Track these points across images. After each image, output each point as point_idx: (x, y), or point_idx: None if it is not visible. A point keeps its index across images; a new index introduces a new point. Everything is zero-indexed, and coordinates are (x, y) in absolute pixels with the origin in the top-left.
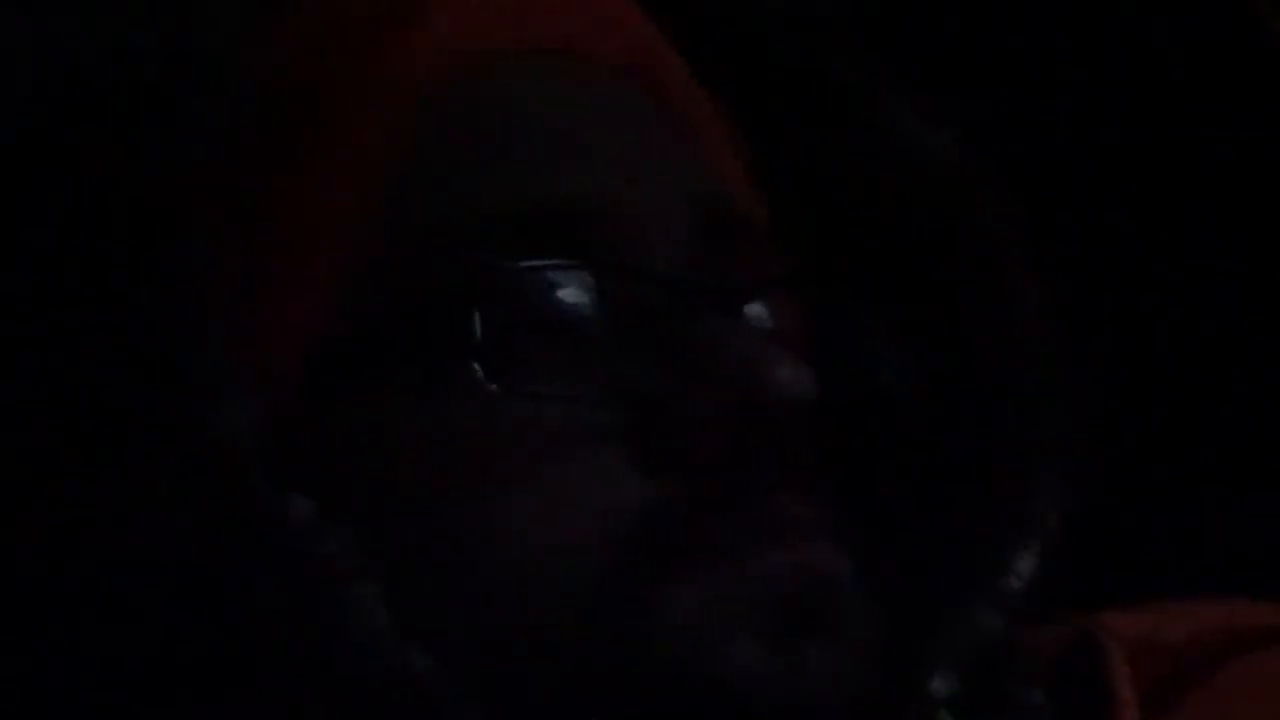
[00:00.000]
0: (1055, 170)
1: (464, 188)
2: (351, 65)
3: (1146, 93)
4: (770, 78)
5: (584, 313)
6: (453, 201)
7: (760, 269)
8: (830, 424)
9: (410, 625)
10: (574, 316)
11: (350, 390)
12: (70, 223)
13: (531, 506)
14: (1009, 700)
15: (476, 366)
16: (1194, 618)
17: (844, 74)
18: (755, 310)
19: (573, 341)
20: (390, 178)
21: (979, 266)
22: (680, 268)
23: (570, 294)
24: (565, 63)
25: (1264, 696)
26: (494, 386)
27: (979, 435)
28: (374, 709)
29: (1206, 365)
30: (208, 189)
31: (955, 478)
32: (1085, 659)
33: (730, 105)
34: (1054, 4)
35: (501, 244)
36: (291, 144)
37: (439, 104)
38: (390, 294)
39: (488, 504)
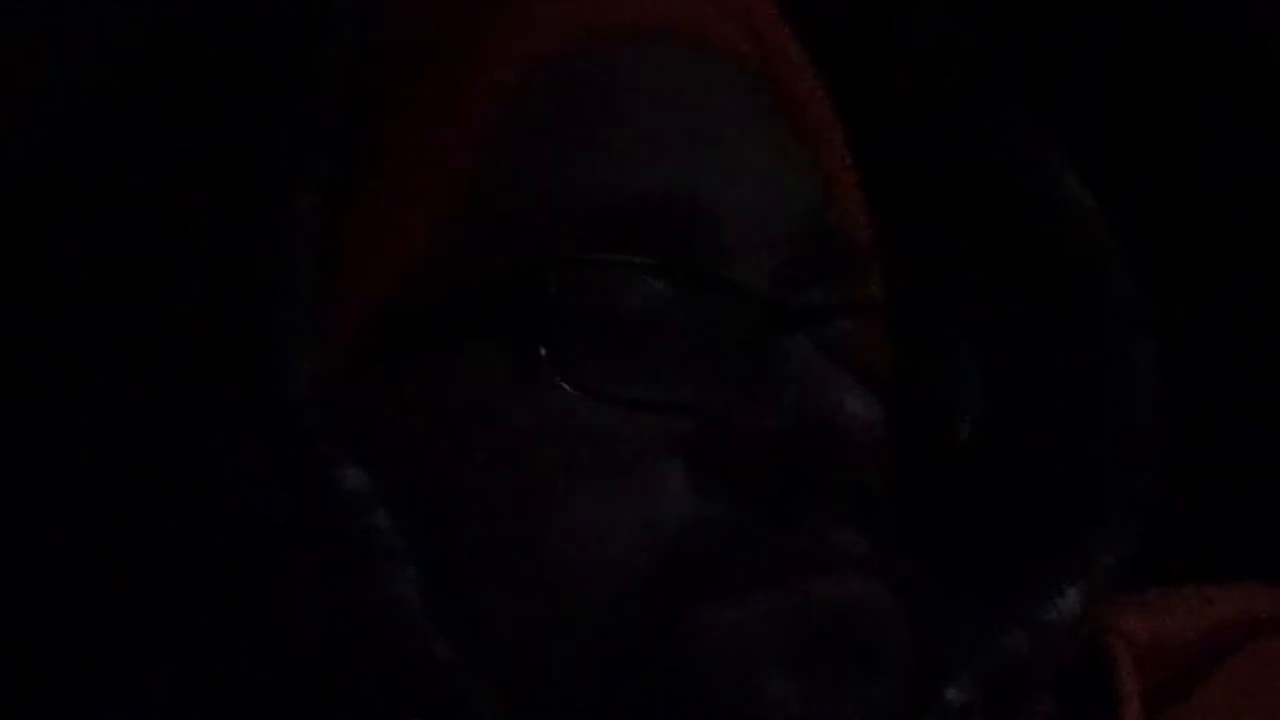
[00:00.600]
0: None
1: (555, 170)
2: (462, 32)
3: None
4: (904, 94)
5: (659, 316)
6: (542, 184)
7: (852, 291)
8: (900, 451)
9: (441, 613)
10: (647, 318)
11: (417, 364)
12: (169, 160)
13: (582, 510)
14: (1021, 710)
15: (544, 354)
16: (1204, 612)
17: (985, 104)
18: (841, 334)
19: (642, 344)
20: (485, 152)
21: (1096, 315)
22: (767, 280)
23: (646, 295)
24: (676, 46)
25: (1266, 685)
26: (560, 381)
27: (1045, 468)
28: (390, 692)
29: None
30: (309, 140)
31: (1013, 504)
32: (1095, 667)
33: (853, 113)
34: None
35: (585, 235)
36: (393, 106)
37: (540, 80)
38: (470, 271)
39: (539, 501)
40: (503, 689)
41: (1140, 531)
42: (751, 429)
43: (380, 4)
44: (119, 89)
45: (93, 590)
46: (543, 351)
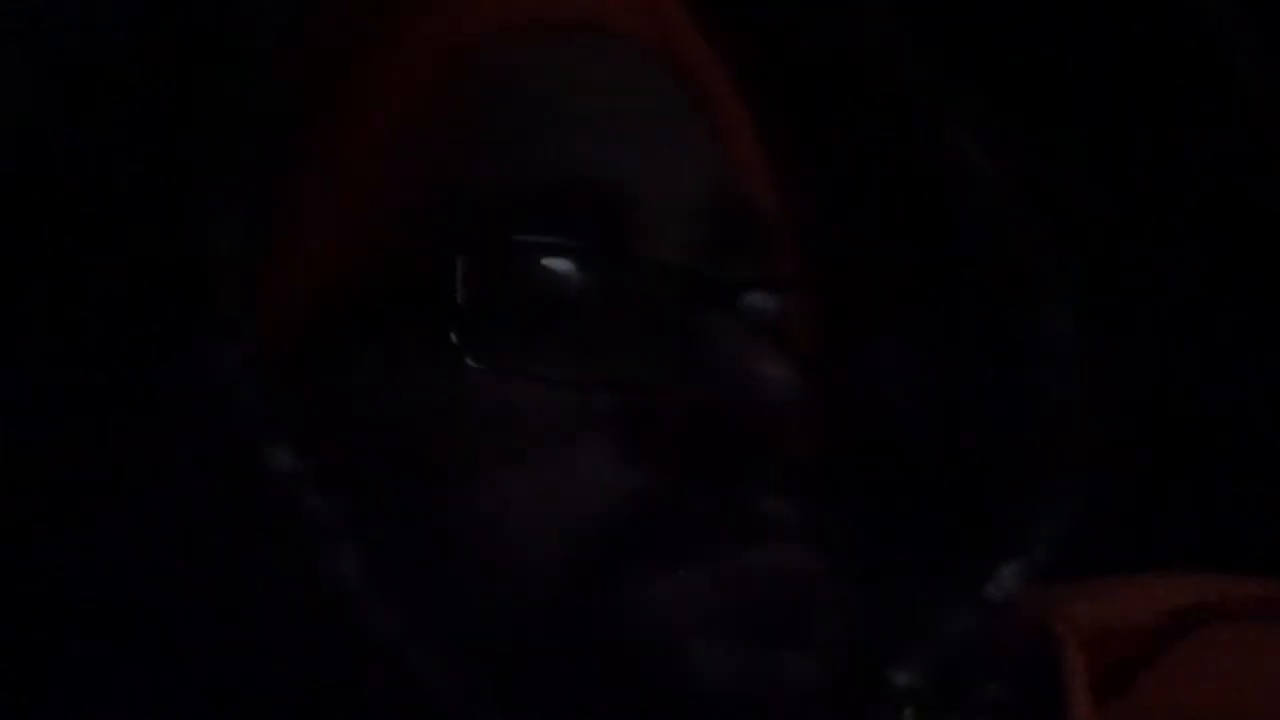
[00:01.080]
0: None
1: (475, 158)
2: (381, 32)
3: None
4: (808, 72)
5: (577, 295)
6: (460, 173)
7: (768, 264)
8: (829, 423)
9: (381, 589)
10: (566, 298)
11: (343, 349)
12: (100, 161)
13: (510, 487)
14: (969, 695)
15: (458, 341)
16: (1149, 600)
17: (893, 77)
18: (757, 305)
19: (563, 325)
20: (405, 144)
21: (1009, 289)
22: (684, 257)
23: (565, 275)
24: (585, 36)
25: (1204, 672)
26: (476, 364)
27: (983, 448)
28: (336, 667)
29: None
30: (238, 136)
31: (953, 485)
32: (1043, 652)
33: (758, 96)
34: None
35: (502, 220)
36: (313, 105)
37: (460, 73)
38: (393, 261)
39: (468, 480)
40: (444, 661)
41: (1076, 508)
42: (675, 402)
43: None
44: (61, 87)
45: (32, 579)
46: (457, 337)
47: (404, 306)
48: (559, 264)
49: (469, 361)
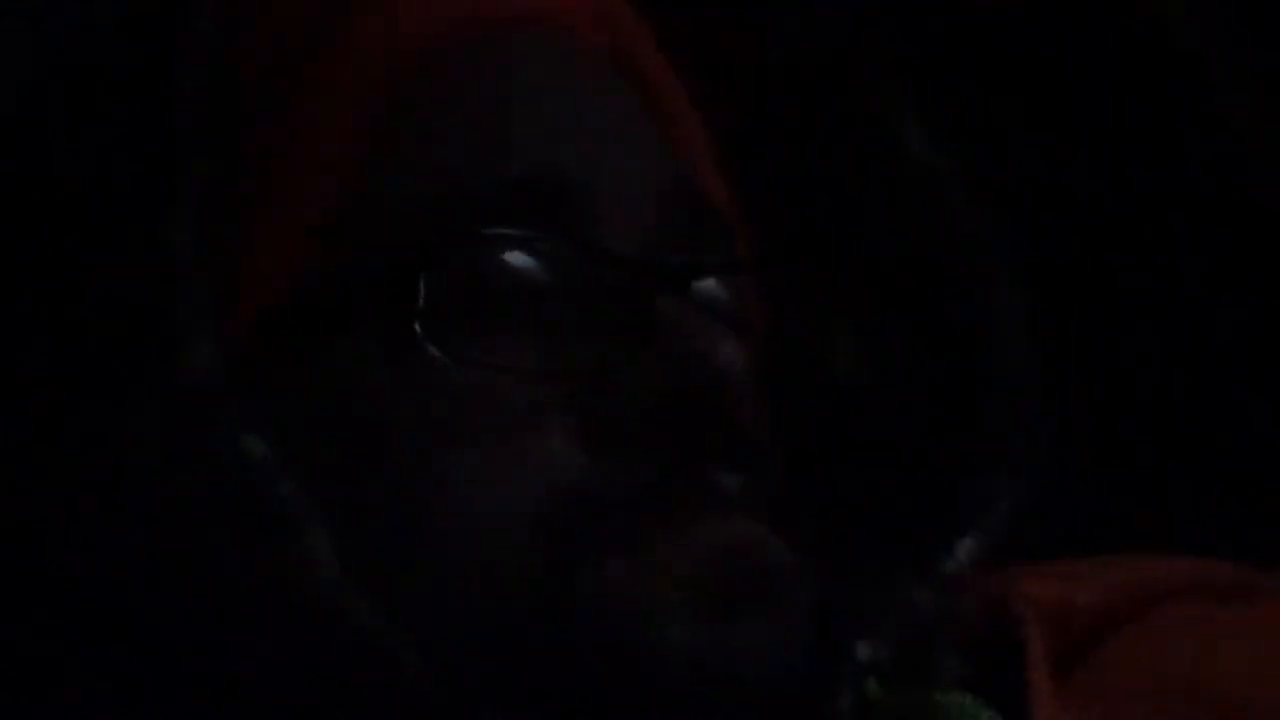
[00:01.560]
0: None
1: (430, 155)
2: (333, 31)
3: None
4: (755, 70)
5: (536, 285)
6: (418, 168)
7: (719, 252)
8: (786, 404)
9: (355, 574)
10: (526, 288)
11: (307, 343)
12: (63, 182)
13: (473, 473)
14: (932, 667)
15: (421, 331)
16: (1103, 580)
17: (833, 69)
18: (709, 291)
19: (523, 313)
20: (362, 143)
21: (952, 268)
22: (637, 246)
23: (524, 266)
24: (538, 36)
25: (1157, 649)
26: (439, 353)
27: (936, 426)
28: (316, 649)
29: (1165, 367)
30: (191, 147)
31: (907, 463)
32: (1003, 626)
33: (705, 91)
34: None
35: (461, 212)
36: (270, 106)
37: (412, 71)
38: (352, 255)
39: (431, 467)
40: (416, 640)
41: (1031, 485)
42: (633, 385)
43: (244, 11)
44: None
45: (18, 573)
46: (418, 328)
47: (368, 299)
48: (518, 255)
49: (433, 351)
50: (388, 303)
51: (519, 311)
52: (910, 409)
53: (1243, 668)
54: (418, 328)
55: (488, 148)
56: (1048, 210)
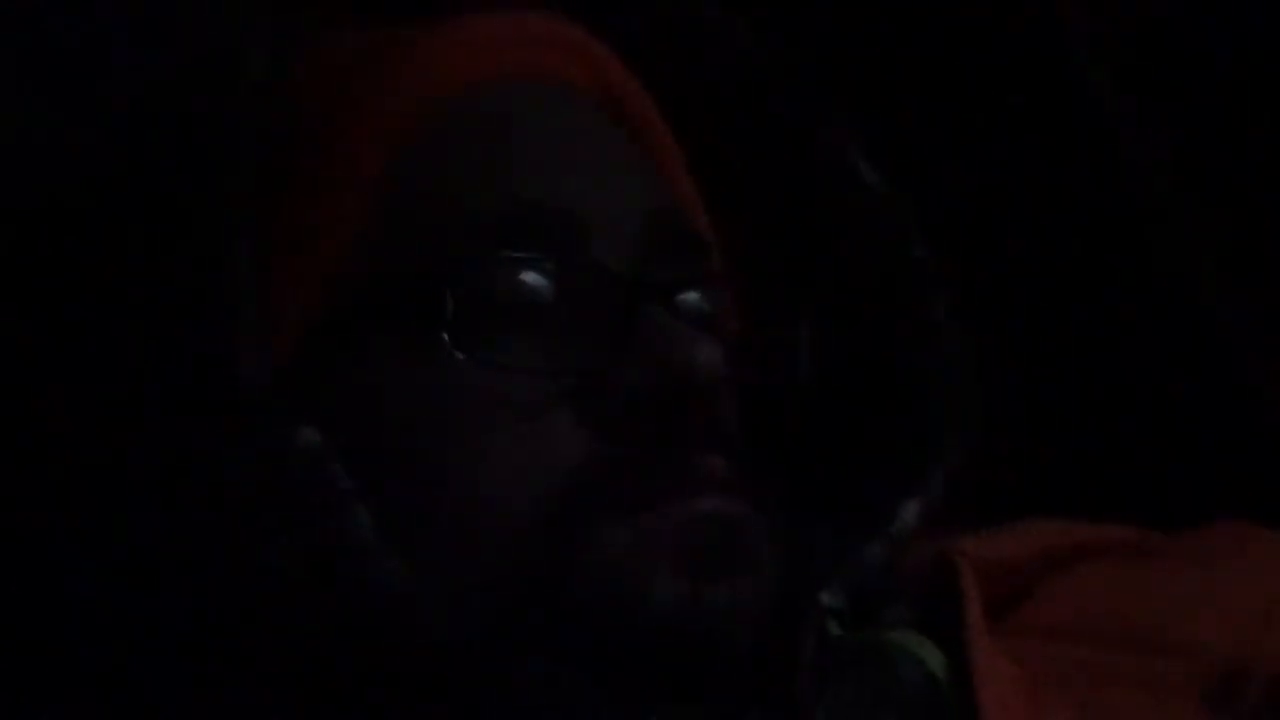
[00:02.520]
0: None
1: (451, 189)
2: (366, 81)
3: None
4: (726, 113)
5: (542, 299)
6: (440, 199)
7: (698, 268)
8: (752, 394)
9: (391, 541)
10: (534, 301)
11: (349, 350)
12: (130, 210)
13: (492, 456)
14: (884, 612)
15: (446, 337)
16: (1032, 539)
17: (790, 113)
18: (690, 302)
19: (531, 322)
20: (391, 176)
21: (896, 278)
22: (626, 264)
23: (532, 282)
24: (546, 91)
25: (1074, 598)
26: (461, 356)
27: (883, 412)
28: (362, 610)
29: (1075, 357)
30: (245, 183)
31: (859, 443)
32: (943, 577)
33: (685, 132)
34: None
35: (478, 238)
36: (312, 147)
37: (437, 118)
38: (385, 273)
39: (456, 452)
40: (444, 599)
41: (963, 457)
42: (624, 381)
43: (291, 65)
44: (97, 154)
45: (99, 548)
46: (445, 336)
47: (401, 312)
48: (527, 274)
49: (457, 355)
50: (418, 315)
51: (528, 320)
52: (861, 398)
53: (1143, 611)
54: (444, 336)
55: (499, 181)
56: (974, 226)
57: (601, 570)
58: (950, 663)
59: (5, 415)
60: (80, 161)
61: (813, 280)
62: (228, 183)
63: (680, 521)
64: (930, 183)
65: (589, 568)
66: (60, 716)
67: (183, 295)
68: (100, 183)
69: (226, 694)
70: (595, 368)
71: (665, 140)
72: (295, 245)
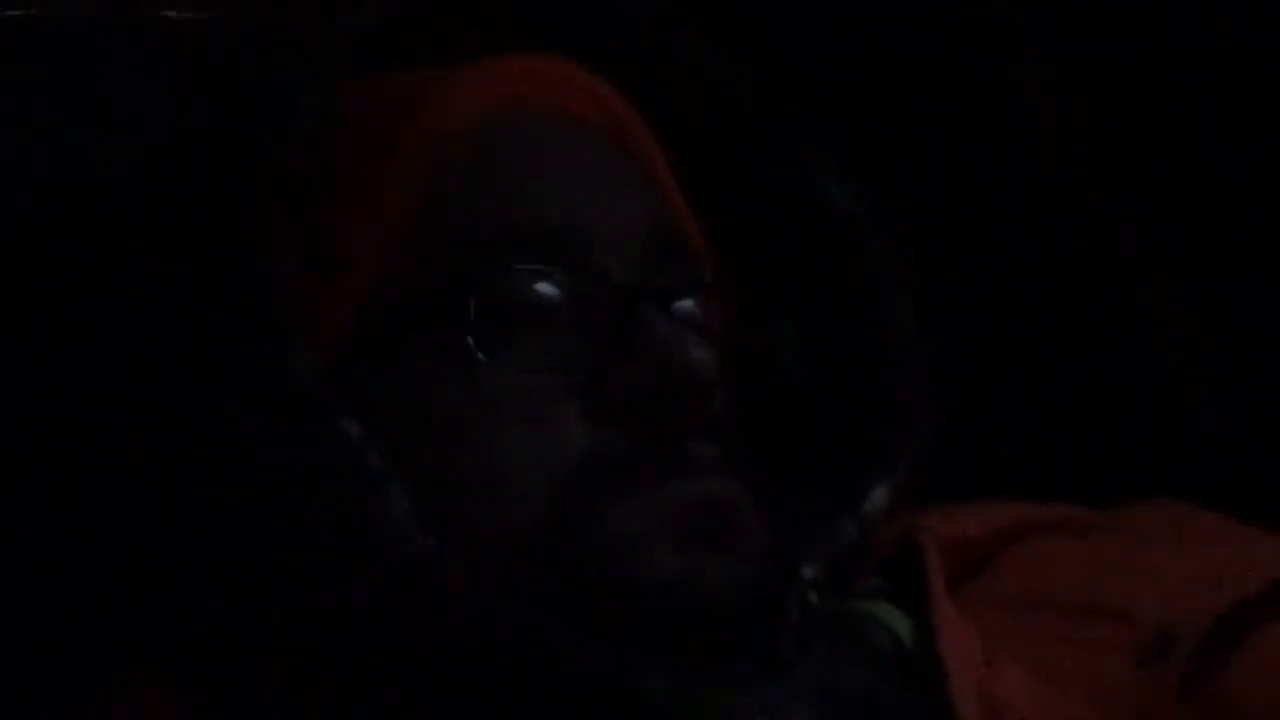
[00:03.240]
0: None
1: (474, 209)
2: (398, 116)
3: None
4: (714, 142)
5: (554, 305)
6: (465, 219)
7: (693, 278)
8: (744, 391)
9: (423, 518)
10: (546, 307)
11: (385, 350)
12: (198, 229)
13: (510, 445)
14: (857, 582)
15: (470, 340)
16: (988, 516)
17: (770, 140)
18: (686, 308)
19: (544, 326)
20: (423, 199)
21: (865, 284)
22: (630, 275)
23: (545, 291)
24: (555, 123)
25: (1026, 568)
26: (483, 357)
27: (853, 403)
28: (397, 579)
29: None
30: (298, 208)
31: (834, 431)
32: (909, 551)
33: (680, 158)
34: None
35: (498, 252)
36: (356, 170)
37: (461, 147)
38: (417, 285)
39: (479, 442)
40: (470, 571)
41: (927, 446)
42: (627, 378)
43: (334, 100)
44: (164, 179)
45: (158, 525)
46: (469, 339)
47: (431, 317)
48: (540, 283)
49: (479, 355)
50: (445, 321)
51: (541, 325)
52: (837, 392)
53: (1086, 580)
54: (469, 339)
55: (516, 202)
56: (936, 238)
57: (608, 545)
58: (916, 628)
59: (83, 405)
60: (154, 178)
61: (793, 288)
62: (283, 208)
63: (678, 502)
64: (891, 195)
65: (597, 543)
66: (112, 673)
67: (243, 303)
68: (174, 201)
69: (276, 655)
70: (601, 367)
71: (662, 165)
72: (341, 262)
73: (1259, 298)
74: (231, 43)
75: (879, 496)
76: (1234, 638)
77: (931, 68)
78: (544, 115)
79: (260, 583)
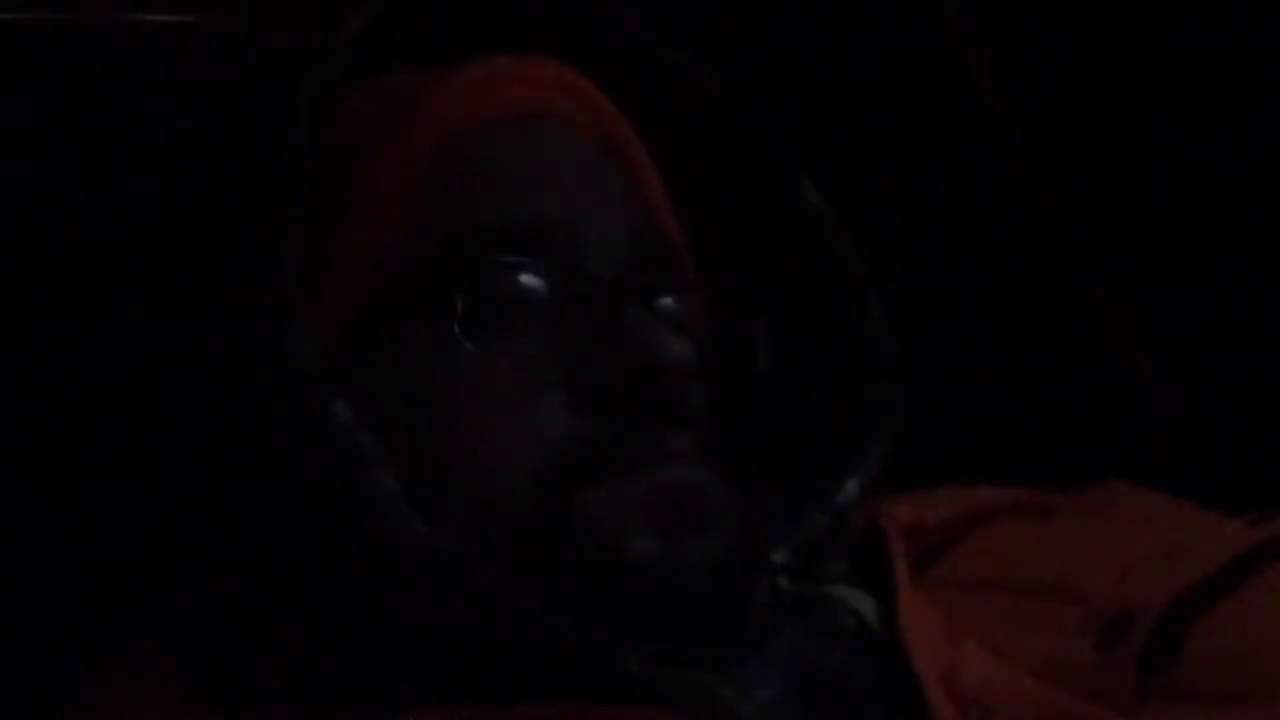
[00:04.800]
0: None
1: (466, 206)
2: (396, 116)
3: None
4: (698, 147)
5: (539, 298)
6: (457, 215)
7: (674, 277)
8: (721, 386)
9: (411, 499)
10: (532, 300)
11: (378, 338)
12: (206, 224)
13: (494, 430)
14: (824, 568)
15: (458, 329)
16: (953, 502)
17: (749, 147)
18: (666, 305)
19: (530, 318)
20: (418, 195)
21: (838, 285)
22: (613, 271)
23: (531, 285)
24: (545, 125)
25: (983, 554)
26: (470, 346)
27: (827, 398)
28: (384, 555)
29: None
30: (297, 198)
31: (809, 426)
32: (875, 537)
33: (665, 161)
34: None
35: (487, 247)
36: (351, 168)
37: (453, 148)
38: (410, 276)
39: (464, 426)
40: (454, 548)
41: (899, 438)
42: (608, 370)
43: (335, 114)
44: (170, 179)
45: (156, 501)
46: (457, 328)
47: (421, 307)
48: (527, 277)
49: (467, 344)
50: (435, 311)
51: (527, 317)
52: (811, 388)
53: (1044, 562)
54: (456, 328)
55: (505, 200)
56: (890, 235)
57: (585, 528)
58: (881, 610)
59: (90, 385)
60: (164, 172)
61: (770, 287)
62: (284, 203)
63: (654, 488)
64: (845, 194)
65: (575, 526)
66: (111, 649)
67: (246, 290)
68: (183, 191)
69: (271, 627)
70: (584, 357)
71: (647, 166)
72: (340, 253)
73: (1209, 287)
74: (236, 44)
75: (851, 489)
76: (1189, 618)
77: (886, 66)
78: (536, 117)
79: (255, 557)
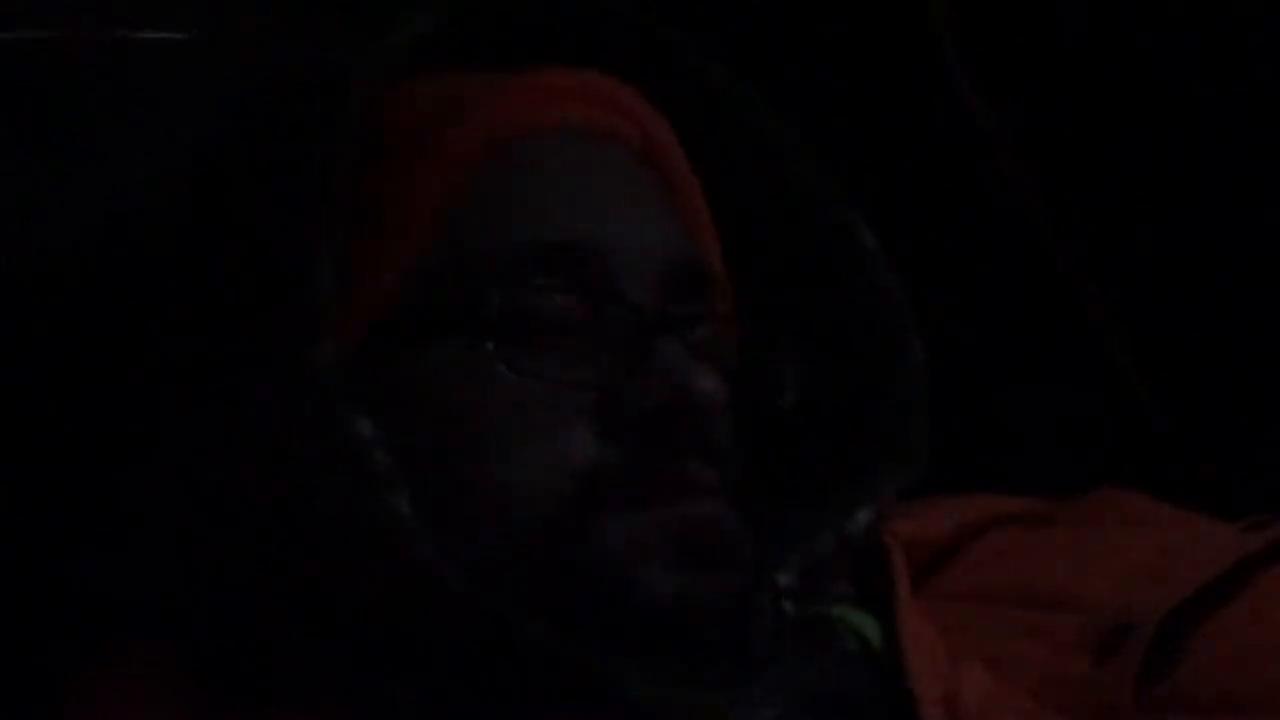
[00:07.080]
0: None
1: (503, 221)
2: (440, 121)
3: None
4: (751, 179)
5: (573, 322)
6: (493, 230)
7: (709, 307)
8: (747, 419)
9: (425, 523)
10: (565, 324)
11: (405, 353)
12: (222, 215)
13: (517, 454)
14: (826, 588)
15: (490, 348)
16: (952, 513)
17: (804, 183)
18: (699, 335)
19: (561, 341)
20: (454, 206)
21: (880, 319)
22: (649, 298)
23: (565, 308)
24: (594, 141)
25: (981, 566)
26: (500, 365)
27: (849, 435)
28: (394, 578)
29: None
30: (331, 207)
31: (827, 453)
32: (876, 556)
33: (711, 185)
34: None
35: (522, 266)
36: (388, 174)
37: (495, 158)
38: (441, 290)
39: (487, 448)
40: (470, 575)
41: (915, 473)
42: (636, 399)
43: (377, 115)
44: (207, 177)
45: (171, 504)
46: (490, 346)
47: (453, 324)
48: (561, 299)
49: (497, 364)
50: (466, 328)
51: (558, 340)
52: (832, 425)
53: (1041, 573)
54: (489, 346)
55: (544, 218)
56: (891, 251)
57: (600, 556)
58: (883, 631)
59: (112, 385)
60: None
61: (808, 317)
62: (320, 205)
63: (673, 522)
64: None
65: (591, 554)
66: (117, 648)
67: (273, 297)
68: (216, 194)
69: (279, 636)
70: (613, 386)
71: (695, 193)
72: (368, 263)
73: (1203, 294)
74: (228, 61)
75: (862, 519)
76: (1187, 627)
77: (874, 76)
78: (580, 131)
79: (259, 559)
